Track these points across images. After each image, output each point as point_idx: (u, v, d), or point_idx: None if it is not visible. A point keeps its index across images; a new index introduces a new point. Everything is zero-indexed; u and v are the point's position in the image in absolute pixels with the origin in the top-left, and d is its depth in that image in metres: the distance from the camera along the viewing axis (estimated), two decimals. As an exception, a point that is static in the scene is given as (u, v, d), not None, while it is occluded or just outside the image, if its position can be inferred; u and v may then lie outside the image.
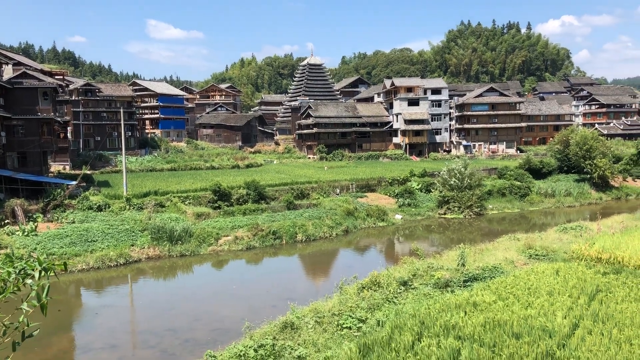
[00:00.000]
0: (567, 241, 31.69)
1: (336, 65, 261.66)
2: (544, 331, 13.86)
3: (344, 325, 19.12)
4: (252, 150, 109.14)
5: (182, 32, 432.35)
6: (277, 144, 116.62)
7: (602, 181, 68.02)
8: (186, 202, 49.63)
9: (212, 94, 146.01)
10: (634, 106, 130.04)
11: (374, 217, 51.95)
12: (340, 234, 46.98)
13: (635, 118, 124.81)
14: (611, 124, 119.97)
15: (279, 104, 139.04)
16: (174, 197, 49.88)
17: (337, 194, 58.14)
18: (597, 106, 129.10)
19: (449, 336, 13.88)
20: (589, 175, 68.21)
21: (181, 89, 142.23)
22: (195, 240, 41.15)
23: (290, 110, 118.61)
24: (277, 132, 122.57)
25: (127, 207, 46.51)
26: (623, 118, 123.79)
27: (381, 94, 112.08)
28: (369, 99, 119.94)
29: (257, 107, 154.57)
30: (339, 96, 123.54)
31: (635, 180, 73.85)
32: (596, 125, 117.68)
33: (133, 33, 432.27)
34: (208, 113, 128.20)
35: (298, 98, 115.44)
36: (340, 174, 68.27)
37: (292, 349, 17.87)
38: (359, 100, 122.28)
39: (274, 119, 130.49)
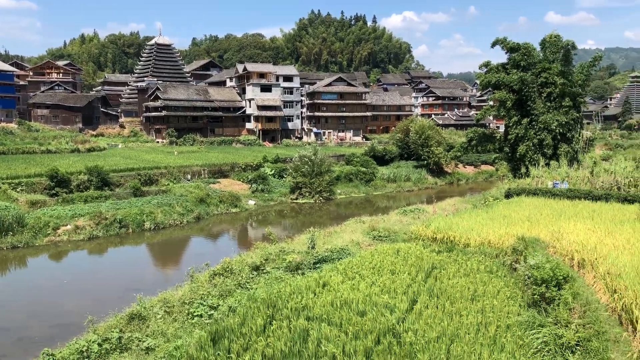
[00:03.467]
0: (407, 223, 34.00)
1: (186, 46, 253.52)
2: (386, 308, 14.79)
3: (195, 314, 18.77)
4: (95, 133, 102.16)
5: (11, 2, 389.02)
6: (122, 126, 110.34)
7: (437, 167, 74.29)
8: (18, 189, 45.16)
9: (48, 71, 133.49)
10: (464, 99, 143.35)
11: (227, 203, 51.52)
12: (192, 221, 45.94)
13: (466, 110, 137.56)
14: (446, 115, 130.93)
15: (125, 84, 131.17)
16: (4, 183, 45.15)
17: (188, 180, 56.71)
18: (433, 98, 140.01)
19: (299, 318, 14.24)
20: (426, 162, 73.95)
21: (11, 64, 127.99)
22: (29, 231, 37.61)
23: (136, 91, 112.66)
24: (122, 114, 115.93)
25: (-55, 195, 41.15)
26: (456, 110, 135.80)
27: (234, 79, 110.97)
28: (221, 83, 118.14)
29: (100, 87, 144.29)
30: (189, 79, 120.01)
31: (466, 166, 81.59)
32: (433, 116, 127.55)
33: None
34: (43, 92, 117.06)
35: (145, 79, 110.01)
36: (191, 159, 66.63)
37: (140, 340, 17.16)
38: (211, 84, 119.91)
39: (118, 100, 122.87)
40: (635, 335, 12.32)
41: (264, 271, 23.31)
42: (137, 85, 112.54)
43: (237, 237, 45.29)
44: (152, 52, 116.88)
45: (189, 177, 57.63)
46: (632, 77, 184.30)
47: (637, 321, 12.27)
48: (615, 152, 73.25)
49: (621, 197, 30.29)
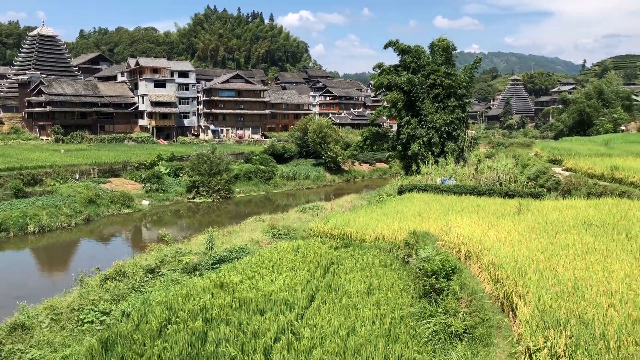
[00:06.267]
0: (306, 220, 34.38)
1: (74, 39, 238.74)
2: (285, 305, 14.87)
3: (85, 320, 17.83)
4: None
5: None
6: (1, 123, 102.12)
7: (335, 165, 75.80)
8: None
9: None
10: (360, 99, 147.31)
11: (118, 204, 49.29)
12: (81, 223, 43.52)
13: (361, 109, 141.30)
14: (342, 114, 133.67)
15: (3, 77, 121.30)
16: None
17: (77, 180, 53.63)
18: (330, 97, 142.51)
19: (196, 319, 13.96)
20: (324, 160, 75.20)
21: None
22: None
23: (17, 85, 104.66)
24: (0, 110, 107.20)
25: None
26: (352, 109, 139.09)
27: (125, 74, 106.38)
28: (112, 78, 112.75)
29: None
30: (77, 73, 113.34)
31: (362, 164, 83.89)
32: (330, 115, 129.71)
33: None
34: None
35: (27, 72, 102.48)
36: (79, 157, 63.09)
37: (22, 352, 16.00)
38: (101, 79, 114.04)
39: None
40: (515, 321, 13.28)
41: (160, 273, 22.61)
42: (18, 79, 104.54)
43: (131, 239, 43.51)
44: (34, 44, 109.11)
45: (77, 176, 54.50)
46: (512, 80, 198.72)
47: (516, 307, 13.23)
48: (498, 150, 78.42)
49: (503, 192, 32.50)
